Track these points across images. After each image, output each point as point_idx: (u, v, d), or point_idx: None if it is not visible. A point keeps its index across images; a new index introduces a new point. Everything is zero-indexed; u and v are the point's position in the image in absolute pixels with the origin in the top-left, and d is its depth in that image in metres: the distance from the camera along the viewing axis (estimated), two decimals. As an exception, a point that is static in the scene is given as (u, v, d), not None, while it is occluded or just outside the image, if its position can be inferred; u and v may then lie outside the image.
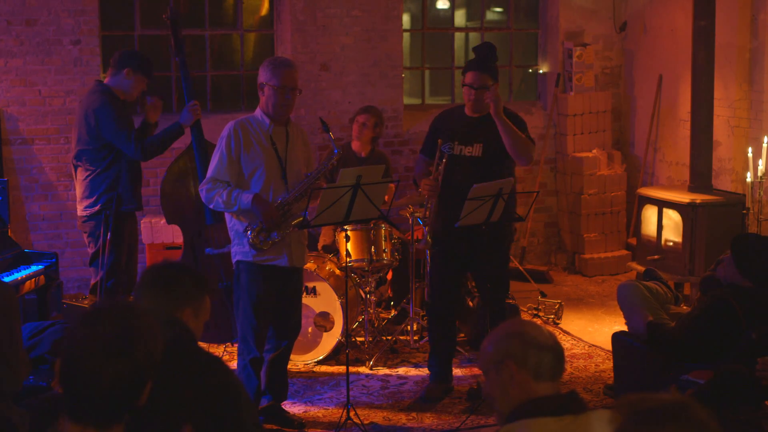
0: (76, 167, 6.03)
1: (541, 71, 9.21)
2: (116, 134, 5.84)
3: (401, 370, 6.32)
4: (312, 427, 5.43)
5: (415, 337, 6.67)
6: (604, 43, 9.16)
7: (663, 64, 8.73)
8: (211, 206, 5.17)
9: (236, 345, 5.52)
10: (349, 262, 6.26)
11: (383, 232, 6.51)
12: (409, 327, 6.68)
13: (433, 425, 5.46)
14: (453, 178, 5.58)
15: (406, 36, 9.04)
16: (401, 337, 6.75)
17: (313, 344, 6.40)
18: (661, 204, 7.50)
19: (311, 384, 6.08)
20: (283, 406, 5.48)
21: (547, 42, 9.12)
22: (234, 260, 5.22)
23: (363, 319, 6.68)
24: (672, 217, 7.41)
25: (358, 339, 6.74)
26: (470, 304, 6.67)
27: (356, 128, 7.13)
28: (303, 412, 5.64)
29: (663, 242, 7.51)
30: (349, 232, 6.27)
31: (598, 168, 8.84)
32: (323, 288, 6.33)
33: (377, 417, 5.56)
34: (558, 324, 7.28)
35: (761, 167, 7.08)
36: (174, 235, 7.12)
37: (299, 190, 5.10)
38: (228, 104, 8.50)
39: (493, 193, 5.29)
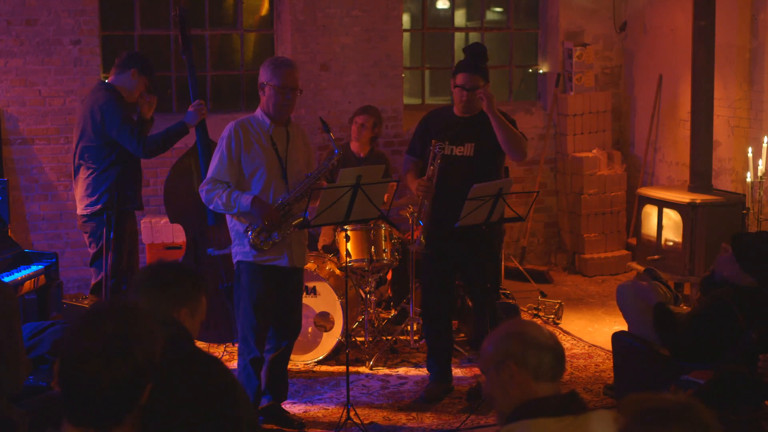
0: (78, 166, 6.03)
1: (541, 71, 9.20)
2: (121, 131, 5.85)
3: (401, 370, 6.32)
4: (312, 427, 5.43)
5: (415, 337, 6.66)
6: (604, 43, 9.16)
7: (663, 64, 8.73)
8: (210, 207, 5.17)
9: (236, 345, 5.52)
10: (349, 262, 6.25)
11: (383, 232, 6.51)
12: (409, 327, 6.68)
13: (433, 425, 5.46)
14: (445, 179, 5.57)
15: (406, 36, 9.04)
16: (401, 337, 6.75)
17: (313, 344, 6.40)
18: (661, 204, 7.50)
19: (311, 384, 6.08)
20: (283, 406, 5.48)
21: (547, 42, 9.12)
22: (235, 260, 5.22)
23: (363, 319, 6.68)
24: (672, 217, 7.41)
25: (358, 339, 6.74)
26: (470, 304, 6.66)
27: (355, 129, 7.13)
28: (303, 412, 5.63)
29: (663, 242, 7.50)
30: (349, 232, 6.27)
31: (598, 168, 8.84)
32: (323, 288, 6.33)
33: (377, 417, 5.55)
34: (558, 324, 7.28)
35: (761, 167, 7.08)
36: (174, 234, 7.12)
37: (300, 190, 5.10)
38: (228, 104, 8.50)
39: (493, 193, 5.29)
